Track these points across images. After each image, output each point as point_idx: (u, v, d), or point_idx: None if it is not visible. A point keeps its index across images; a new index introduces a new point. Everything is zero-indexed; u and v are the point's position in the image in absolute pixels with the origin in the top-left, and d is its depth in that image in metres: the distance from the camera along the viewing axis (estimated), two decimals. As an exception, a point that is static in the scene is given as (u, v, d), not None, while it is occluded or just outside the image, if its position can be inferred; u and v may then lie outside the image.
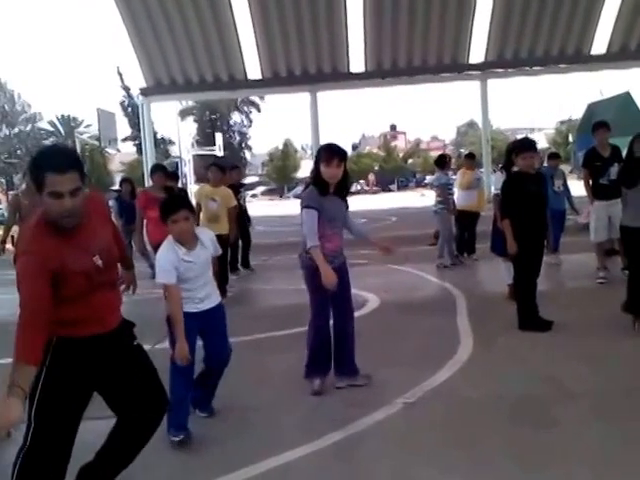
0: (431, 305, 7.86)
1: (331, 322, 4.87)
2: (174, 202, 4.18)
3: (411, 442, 3.91)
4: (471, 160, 11.58)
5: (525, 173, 6.18)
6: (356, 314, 6.90)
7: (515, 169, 6.37)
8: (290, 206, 26.86)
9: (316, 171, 4.64)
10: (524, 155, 6.15)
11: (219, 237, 8.34)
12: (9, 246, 8.34)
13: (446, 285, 9.02)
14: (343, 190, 4.75)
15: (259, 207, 31.86)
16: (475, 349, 5.68)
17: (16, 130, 67.73)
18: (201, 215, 8.77)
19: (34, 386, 2.80)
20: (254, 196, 63.12)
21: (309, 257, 4.61)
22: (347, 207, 4.86)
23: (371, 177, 68.70)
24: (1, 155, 65.63)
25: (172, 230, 4.09)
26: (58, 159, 2.71)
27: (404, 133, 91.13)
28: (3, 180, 65.43)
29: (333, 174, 4.56)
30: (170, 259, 4.03)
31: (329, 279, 4.49)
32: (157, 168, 8.93)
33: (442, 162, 10.89)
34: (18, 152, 65.78)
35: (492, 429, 4.01)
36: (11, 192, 57.22)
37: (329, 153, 4.57)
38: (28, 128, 68.26)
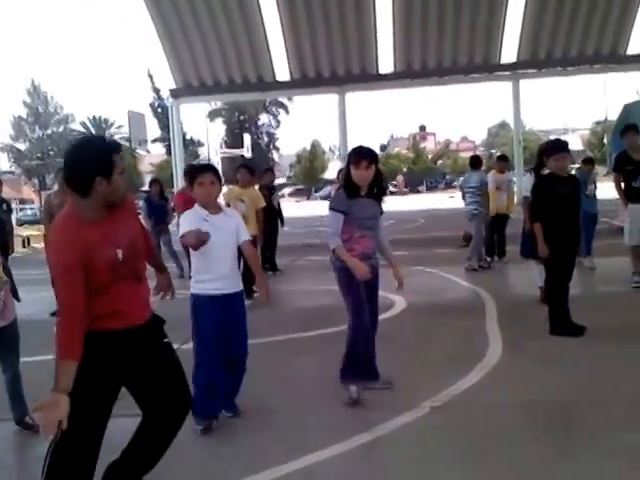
0: (460, 308, 7.77)
1: None
2: (202, 166, 4.53)
3: (437, 446, 3.86)
4: (503, 162, 11.40)
5: (557, 175, 6.06)
6: (383, 316, 6.91)
7: (546, 171, 6.26)
8: (317, 207, 26.87)
9: (346, 174, 4.62)
10: (556, 157, 6.04)
11: (247, 238, 8.49)
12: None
13: (475, 288, 8.92)
14: (377, 193, 4.69)
15: (286, 208, 31.93)
16: (504, 353, 5.59)
17: (49, 131, 68.99)
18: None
19: None
20: (281, 197, 63.34)
21: (336, 258, 4.58)
22: (381, 212, 4.78)
23: (400, 178, 68.50)
24: (34, 156, 66.79)
25: (197, 193, 4.25)
26: (114, 141, 3.06)
27: (434, 134, 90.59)
28: (36, 180, 66.61)
29: (362, 176, 4.52)
30: (192, 219, 4.19)
31: (359, 270, 4.42)
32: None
33: (476, 162, 10.79)
34: (51, 153, 66.93)
35: (520, 436, 3.93)
36: (44, 192, 58.33)
37: (358, 155, 4.55)
38: (60, 129, 69.44)
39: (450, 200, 33.69)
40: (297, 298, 9.50)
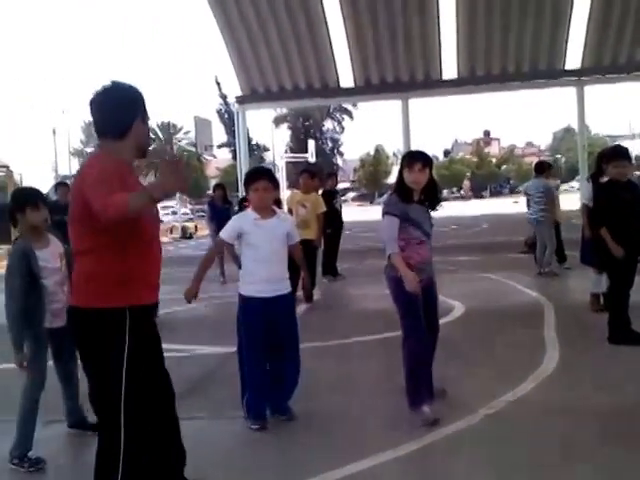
0: (518, 314, 7.72)
1: None
2: (256, 172, 4.58)
3: (489, 454, 3.85)
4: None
5: (617, 181, 6.00)
6: (441, 321, 6.95)
7: (605, 179, 6.20)
8: (380, 211, 26.83)
9: (399, 178, 4.47)
10: (615, 163, 5.97)
11: (309, 242, 8.74)
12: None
13: (534, 294, 8.85)
14: (431, 200, 4.53)
15: (349, 212, 31.93)
16: (561, 361, 5.54)
17: (120, 136, 70.95)
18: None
19: (117, 369, 2.79)
20: (344, 201, 63.63)
21: (390, 268, 4.43)
22: (432, 225, 4.57)
23: (466, 183, 67.91)
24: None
25: (252, 198, 4.44)
26: None
27: (498, 139, 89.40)
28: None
29: (416, 179, 4.36)
30: (238, 222, 4.45)
31: (410, 282, 4.23)
32: None
33: (541, 168, 10.72)
34: (120, 157, 68.83)
35: (575, 446, 3.89)
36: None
37: (411, 157, 4.44)
38: (130, 135, 71.32)
39: (514, 205, 33.21)
40: (356, 302, 9.62)
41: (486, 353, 6.04)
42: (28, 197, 4.13)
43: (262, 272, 4.34)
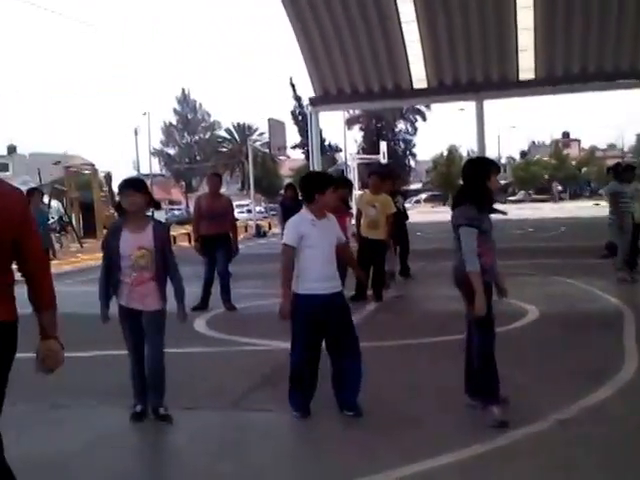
0: (595, 320, 7.49)
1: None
2: (331, 176, 5.01)
3: (560, 462, 3.76)
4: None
5: None
6: (514, 325, 6.90)
7: None
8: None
9: (480, 186, 4.39)
10: None
11: (378, 242, 8.78)
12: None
13: (614, 300, 8.57)
14: (492, 205, 4.55)
15: (421, 213, 31.78)
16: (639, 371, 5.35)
17: (196, 137, 72.90)
18: (362, 221, 9.10)
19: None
20: (417, 202, 63.32)
21: (464, 272, 4.34)
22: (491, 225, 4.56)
23: (555, 186, 66.32)
24: (182, 160, 70.77)
25: (331, 199, 4.58)
26: None
27: (578, 140, 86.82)
28: (184, 183, 70.55)
29: (497, 187, 4.49)
30: (298, 224, 4.54)
31: (479, 306, 4.24)
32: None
33: (610, 171, 10.57)
34: (197, 158, 70.68)
35: None
36: (190, 194, 61.68)
37: (496, 166, 4.53)
38: (207, 136, 73.12)
39: (594, 208, 32.24)
40: (425, 303, 9.57)
41: (559, 358, 5.89)
42: (128, 183, 4.55)
43: (318, 271, 4.46)
